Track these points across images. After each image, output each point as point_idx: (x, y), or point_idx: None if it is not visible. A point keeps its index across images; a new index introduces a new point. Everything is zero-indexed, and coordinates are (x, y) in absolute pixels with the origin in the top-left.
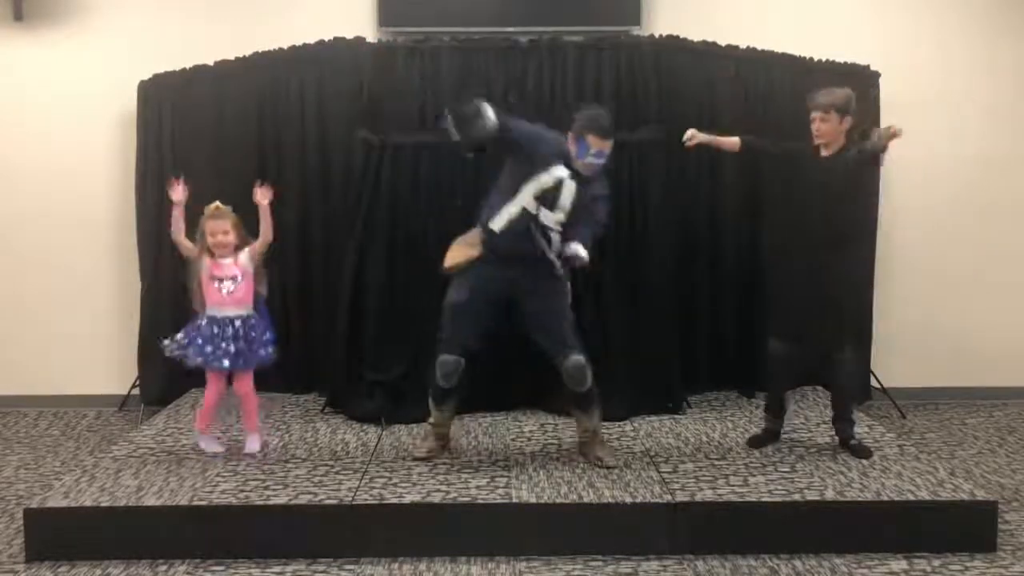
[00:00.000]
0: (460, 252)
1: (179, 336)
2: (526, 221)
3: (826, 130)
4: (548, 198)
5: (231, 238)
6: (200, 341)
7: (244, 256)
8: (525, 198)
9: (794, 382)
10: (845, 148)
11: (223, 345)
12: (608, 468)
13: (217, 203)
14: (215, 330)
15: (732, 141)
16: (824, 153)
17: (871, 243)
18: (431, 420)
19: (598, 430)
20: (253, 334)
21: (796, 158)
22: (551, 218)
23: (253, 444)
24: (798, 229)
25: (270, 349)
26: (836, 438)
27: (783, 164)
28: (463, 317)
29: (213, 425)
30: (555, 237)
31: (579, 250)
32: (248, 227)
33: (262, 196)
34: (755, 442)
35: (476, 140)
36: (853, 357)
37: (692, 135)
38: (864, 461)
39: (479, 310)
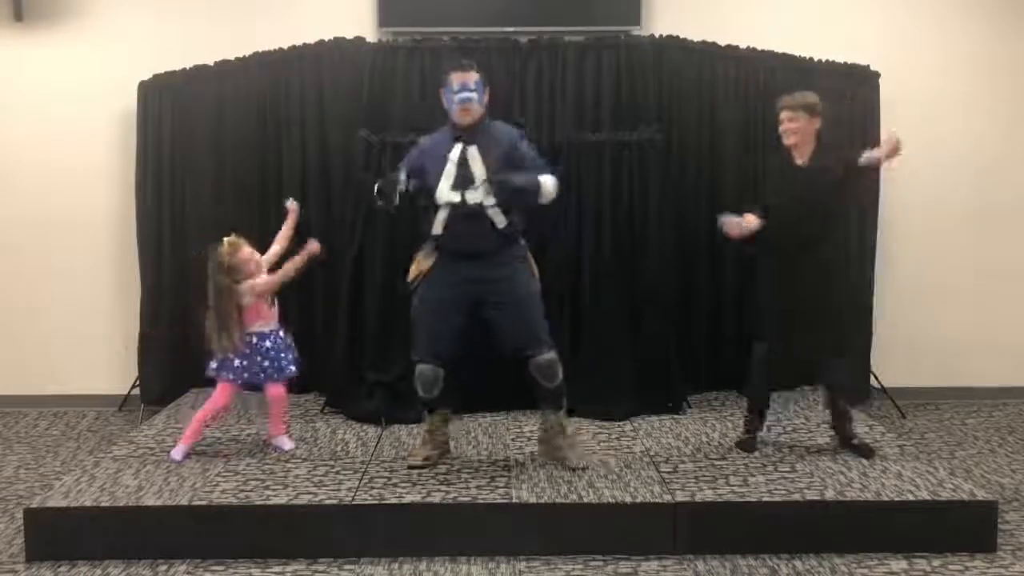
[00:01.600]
0: (417, 266)
1: (235, 363)
2: (458, 214)
3: (795, 128)
4: (461, 180)
5: (256, 255)
6: (243, 361)
7: (261, 278)
8: (443, 195)
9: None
10: (816, 152)
11: (257, 359)
12: (574, 470)
13: (226, 240)
14: (256, 345)
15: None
16: (799, 161)
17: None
18: (426, 426)
19: (566, 427)
20: (283, 345)
21: (782, 173)
22: (477, 196)
23: (286, 444)
24: (777, 233)
25: (293, 365)
26: (836, 439)
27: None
28: (427, 321)
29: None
30: (498, 217)
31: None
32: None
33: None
34: (745, 446)
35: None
36: (849, 357)
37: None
38: (864, 461)
39: (444, 312)
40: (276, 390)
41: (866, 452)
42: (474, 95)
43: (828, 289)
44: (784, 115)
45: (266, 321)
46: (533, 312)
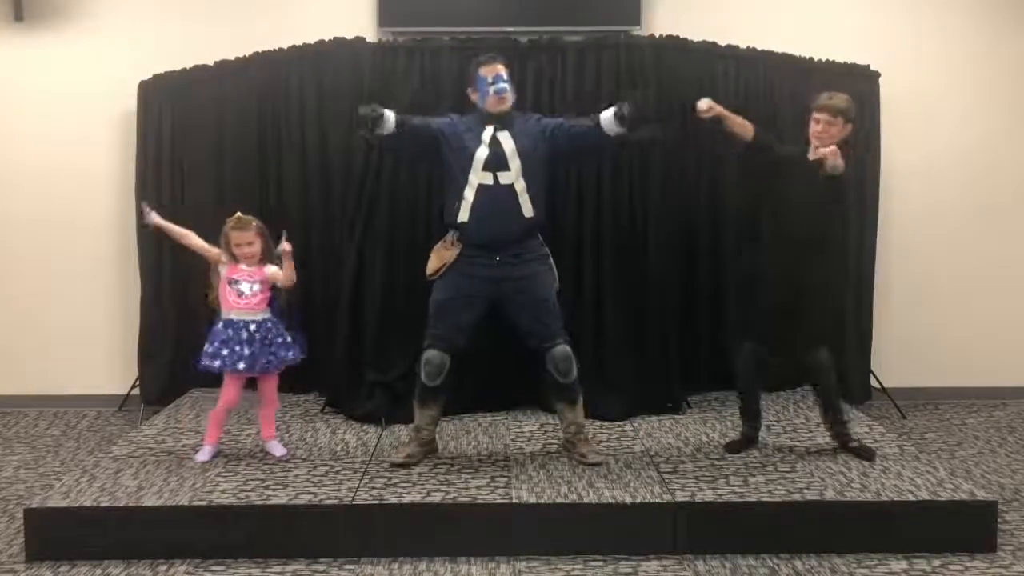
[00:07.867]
0: (438, 258)
1: (205, 348)
2: (487, 197)
3: (832, 134)
4: (495, 160)
5: (256, 248)
6: (217, 345)
7: (270, 270)
8: (474, 176)
9: (765, 385)
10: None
11: (237, 348)
12: (591, 465)
13: (239, 213)
14: (230, 333)
15: (745, 126)
16: (812, 156)
17: (847, 243)
18: (414, 423)
19: (583, 426)
20: (270, 337)
21: (788, 164)
22: (510, 177)
23: (279, 450)
24: (779, 232)
25: (292, 351)
26: (836, 442)
27: (773, 167)
28: (446, 313)
29: (220, 433)
30: (527, 204)
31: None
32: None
33: (286, 248)
34: (733, 447)
35: (378, 138)
36: (831, 358)
37: (710, 106)
38: (865, 462)
39: (463, 306)
40: (266, 392)
41: (867, 454)
42: (508, 85)
43: (823, 292)
44: (822, 116)
45: (234, 311)
46: (551, 311)
